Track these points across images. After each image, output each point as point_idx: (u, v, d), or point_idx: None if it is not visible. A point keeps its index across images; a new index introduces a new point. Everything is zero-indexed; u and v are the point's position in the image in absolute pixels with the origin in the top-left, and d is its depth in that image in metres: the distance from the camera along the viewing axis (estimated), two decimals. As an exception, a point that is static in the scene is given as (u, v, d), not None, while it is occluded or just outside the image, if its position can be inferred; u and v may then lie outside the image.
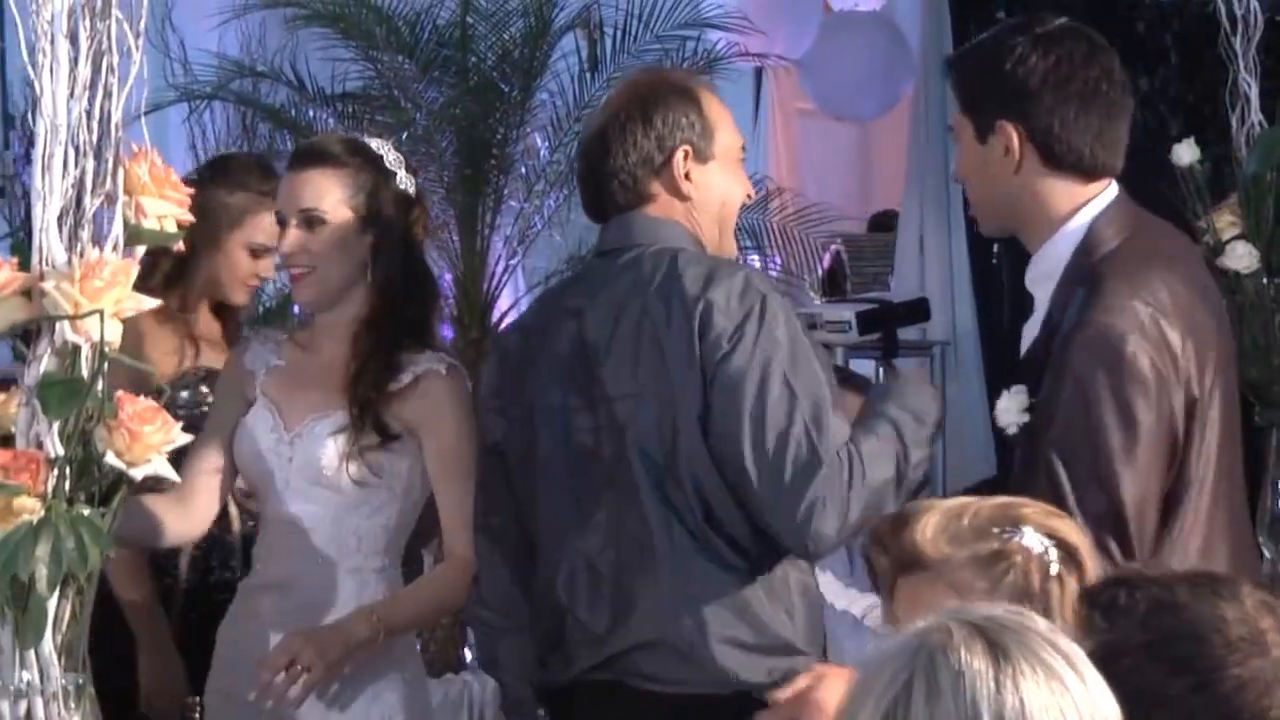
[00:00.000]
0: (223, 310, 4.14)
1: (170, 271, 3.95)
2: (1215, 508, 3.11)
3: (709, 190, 3.28)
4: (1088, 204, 3.18)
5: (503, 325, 6.94)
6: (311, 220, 3.51)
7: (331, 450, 3.48)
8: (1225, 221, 4.00)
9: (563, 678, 3.22)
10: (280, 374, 3.61)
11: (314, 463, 3.50)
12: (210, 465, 3.58)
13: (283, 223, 3.55)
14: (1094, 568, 2.49)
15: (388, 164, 3.59)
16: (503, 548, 3.34)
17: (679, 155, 3.25)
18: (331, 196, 3.52)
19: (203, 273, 3.98)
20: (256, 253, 4.04)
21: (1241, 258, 3.93)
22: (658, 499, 3.10)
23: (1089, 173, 3.17)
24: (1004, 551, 2.44)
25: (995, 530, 2.45)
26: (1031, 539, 2.45)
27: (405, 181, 3.60)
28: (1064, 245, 3.18)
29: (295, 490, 3.53)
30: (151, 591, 3.96)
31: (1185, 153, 4.06)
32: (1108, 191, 3.20)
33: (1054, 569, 2.44)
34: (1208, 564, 3.02)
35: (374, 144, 3.64)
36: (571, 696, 3.24)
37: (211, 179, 3.87)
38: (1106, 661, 2.02)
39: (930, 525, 2.46)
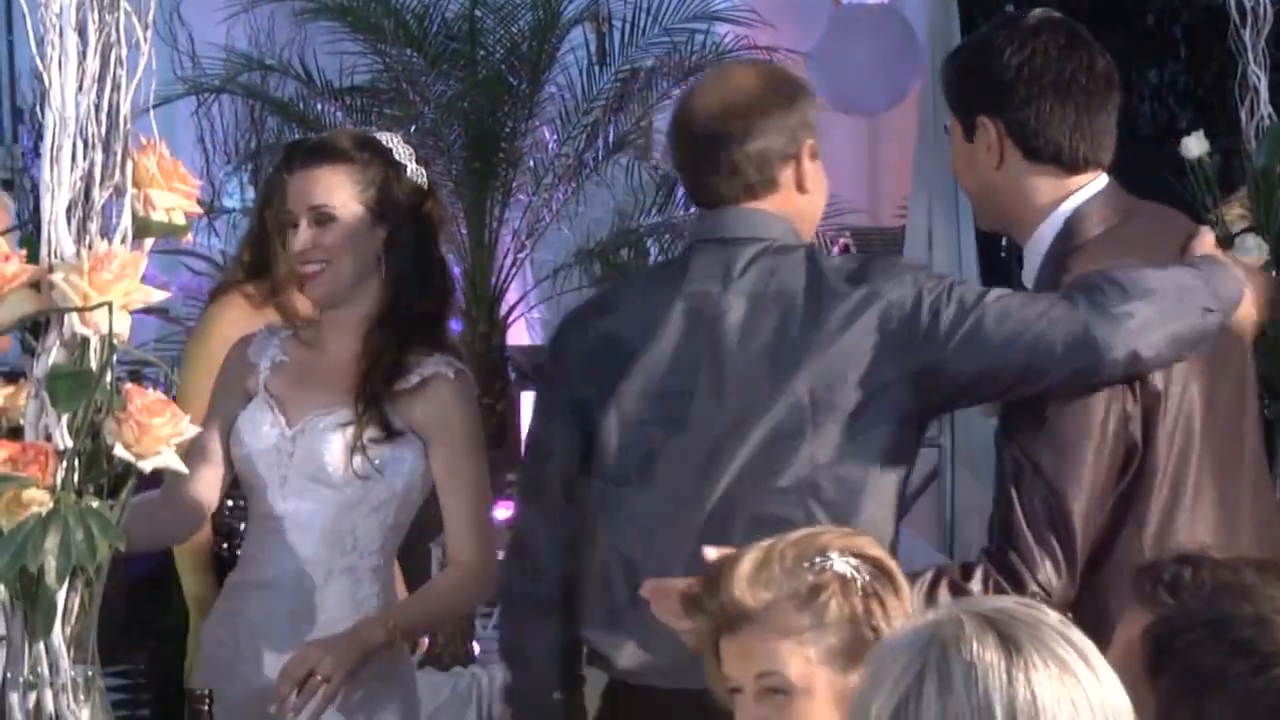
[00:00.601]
0: None
1: (252, 261, 3.93)
2: (1197, 500, 3.10)
3: (818, 188, 3.25)
4: (1071, 195, 3.20)
5: (511, 318, 6.94)
6: (322, 217, 3.50)
7: (335, 444, 3.47)
8: (1235, 214, 3.99)
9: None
10: (284, 370, 3.59)
11: (316, 459, 3.48)
12: (208, 459, 3.55)
13: (294, 221, 3.54)
14: (901, 574, 2.49)
15: (398, 156, 3.57)
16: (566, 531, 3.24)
17: (806, 149, 3.20)
18: (342, 193, 3.50)
19: (285, 258, 3.88)
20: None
21: (1251, 250, 3.92)
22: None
23: (1070, 166, 3.19)
24: (820, 584, 2.42)
25: (805, 564, 2.44)
26: (840, 564, 2.44)
27: (416, 174, 3.58)
28: (1046, 236, 3.21)
29: (293, 487, 3.51)
30: (213, 585, 3.94)
31: (1194, 145, 4.05)
32: (1095, 183, 3.21)
33: (868, 588, 2.43)
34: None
35: (383, 137, 3.63)
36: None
37: (284, 164, 3.82)
38: (1164, 637, 2.03)
39: (742, 576, 2.45)
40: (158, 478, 2.60)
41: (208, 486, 3.56)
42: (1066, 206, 3.19)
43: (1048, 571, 2.96)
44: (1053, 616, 1.92)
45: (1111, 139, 3.24)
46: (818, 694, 2.38)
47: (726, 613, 2.44)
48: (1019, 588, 2.92)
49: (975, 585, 2.95)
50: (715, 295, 3.11)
